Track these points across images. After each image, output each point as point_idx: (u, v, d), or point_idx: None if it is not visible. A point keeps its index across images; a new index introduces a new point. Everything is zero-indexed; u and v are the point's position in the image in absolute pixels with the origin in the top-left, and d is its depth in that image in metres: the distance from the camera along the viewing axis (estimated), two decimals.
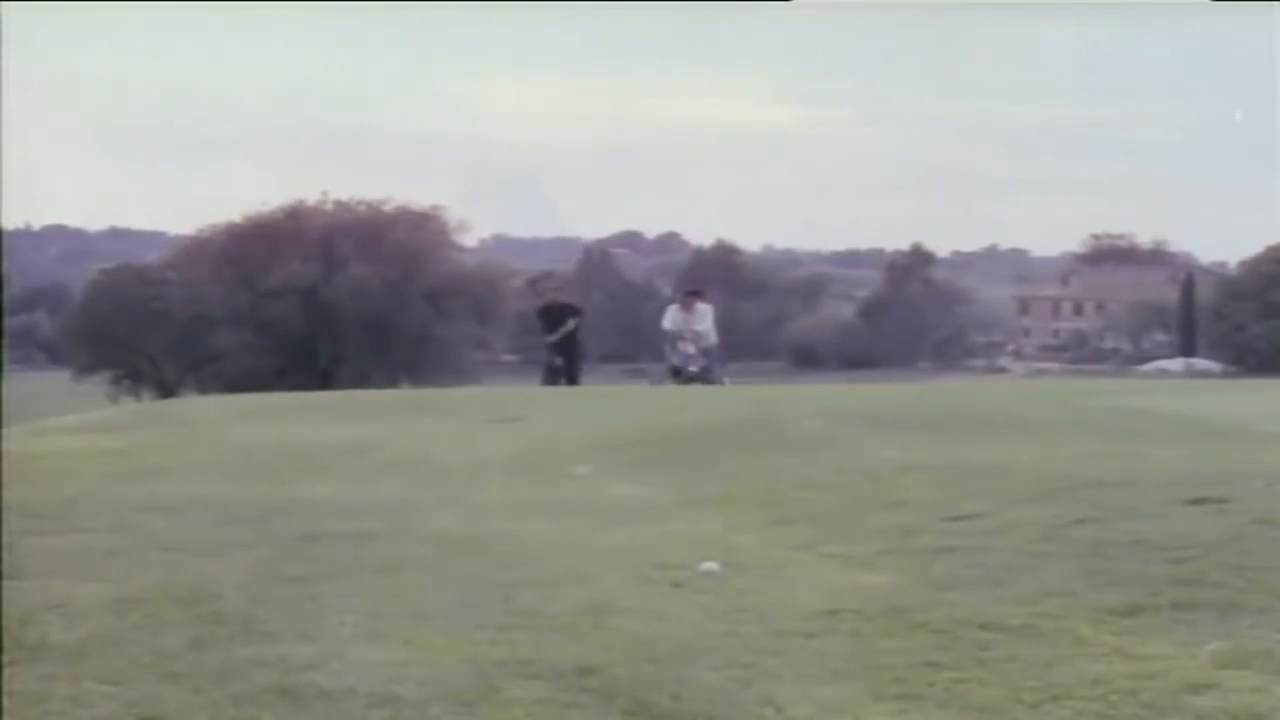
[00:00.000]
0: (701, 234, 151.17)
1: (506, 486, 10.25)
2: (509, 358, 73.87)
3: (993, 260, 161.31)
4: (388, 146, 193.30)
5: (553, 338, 25.82)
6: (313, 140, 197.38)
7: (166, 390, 61.64)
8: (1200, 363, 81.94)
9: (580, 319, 26.37)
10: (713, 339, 24.32)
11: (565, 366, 25.55)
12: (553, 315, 26.30)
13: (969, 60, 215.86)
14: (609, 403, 16.38)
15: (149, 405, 39.13)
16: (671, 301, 26.06)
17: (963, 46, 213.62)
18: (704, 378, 23.52)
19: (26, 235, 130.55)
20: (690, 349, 23.69)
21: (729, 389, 22.52)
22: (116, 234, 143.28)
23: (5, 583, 6.23)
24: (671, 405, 15.46)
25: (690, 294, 25.60)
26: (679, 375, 23.51)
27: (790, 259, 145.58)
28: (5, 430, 14.54)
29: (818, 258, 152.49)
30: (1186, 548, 6.46)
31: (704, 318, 24.35)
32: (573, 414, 15.20)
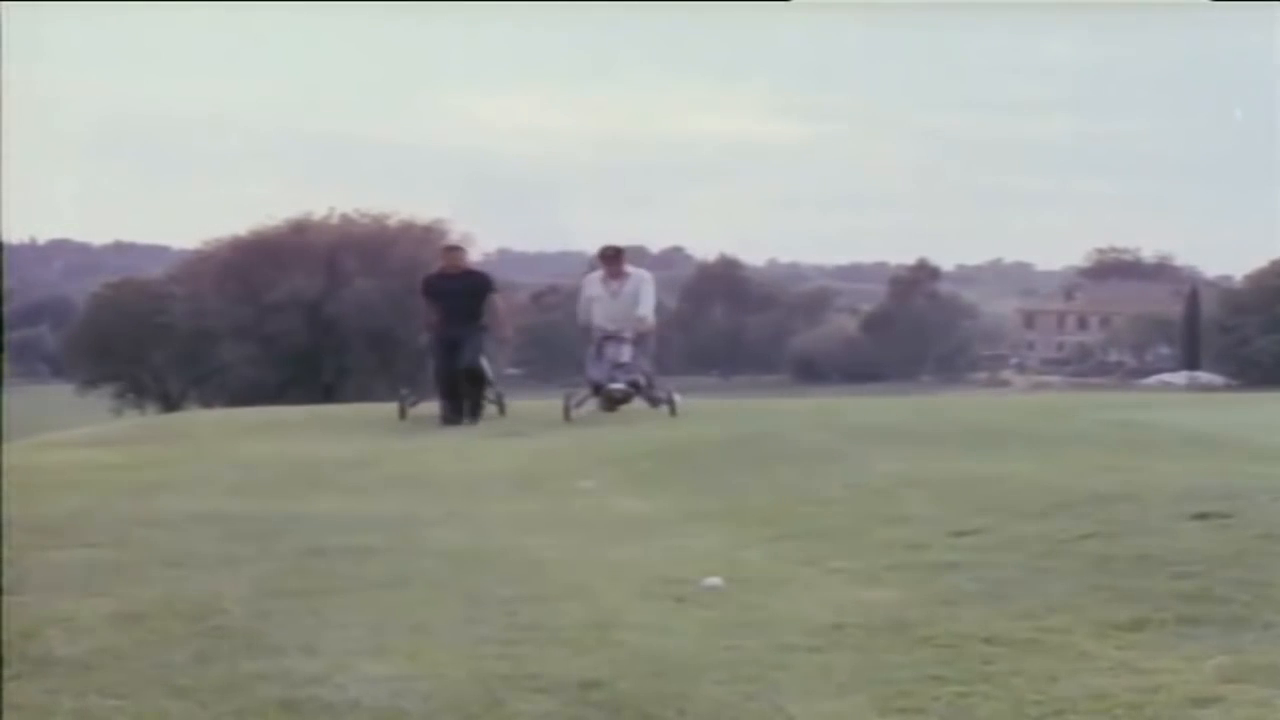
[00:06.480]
0: (705, 248, 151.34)
1: (510, 501, 10.26)
2: (512, 371, 73.88)
3: (997, 274, 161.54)
4: (391, 160, 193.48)
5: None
6: (317, 154, 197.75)
7: (170, 403, 61.72)
8: (1203, 376, 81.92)
9: (496, 297, 17.49)
10: (650, 321, 16.97)
11: (466, 377, 16.50)
12: (450, 289, 17.15)
13: (970, 72, 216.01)
14: (611, 416, 16.35)
15: (152, 419, 39.18)
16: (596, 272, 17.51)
17: (963, 58, 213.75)
18: (645, 395, 16.47)
19: (31, 249, 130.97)
20: (625, 354, 16.42)
21: (682, 409, 16.09)
22: (121, 248, 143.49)
23: (8, 598, 6.23)
24: (673, 420, 15.44)
25: (612, 254, 17.19)
26: (602, 392, 16.41)
27: (795, 273, 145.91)
28: (9, 444, 14.55)
29: (822, 271, 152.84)
30: (1191, 563, 6.46)
31: (640, 289, 16.98)
32: (575, 428, 15.19)
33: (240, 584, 6.72)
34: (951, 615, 5.92)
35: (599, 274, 17.16)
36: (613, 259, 17.13)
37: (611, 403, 16.31)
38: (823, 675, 5.14)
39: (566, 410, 15.95)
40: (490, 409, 16.78)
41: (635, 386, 16.45)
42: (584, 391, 16.52)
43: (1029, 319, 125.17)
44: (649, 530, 8.64)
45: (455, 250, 18.86)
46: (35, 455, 13.55)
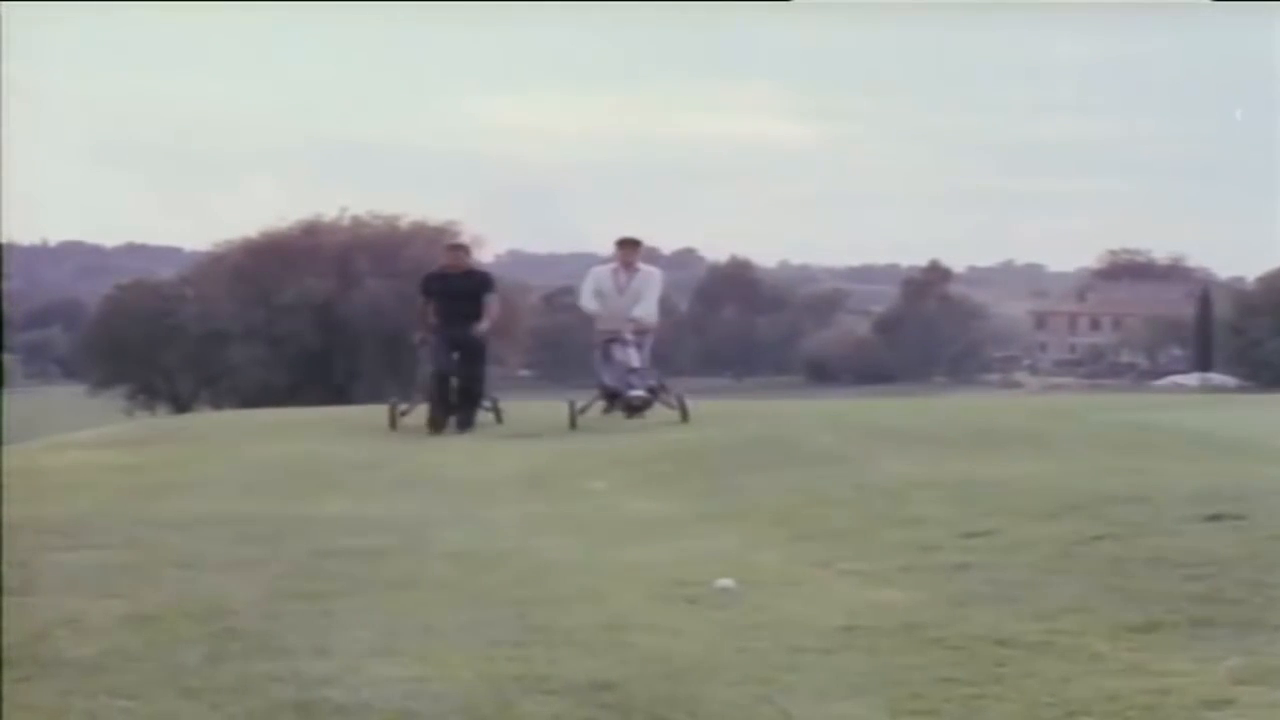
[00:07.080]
0: (717, 250, 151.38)
1: (521, 502, 10.25)
2: (524, 373, 73.98)
3: (1009, 275, 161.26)
4: (402, 163, 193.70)
5: (480, 327, 16.04)
6: (328, 156, 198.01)
7: (181, 405, 61.78)
8: (1215, 378, 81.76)
9: (493, 297, 16.53)
10: (649, 320, 16.56)
11: (463, 383, 15.85)
12: (450, 289, 16.35)
13: (979, 73, 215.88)
14: (617, 419, 16.31)
15: (163, 420, 39.20)
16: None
17: (971, 59, 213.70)
18: (661, 400, 15.79)
19: (43, 251, 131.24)
20: (634, 358, 15.93)
21: (693, 412, 15.55)
22: (133, 250, 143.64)
23: (20, 599, 6.25)
24: (684, 422, 15.41)
25: (630, 243, 16.80)
26: (617, 400, 15.85)
27: (806, 274, 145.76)
28: (20, 445, 14.58)
29: (833, 273, 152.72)
30: (1204, 564, 6.44)
31: (649, 286, 16.62)
32: (585, 431, 15.17)
33: (251, 585, 6.72)
34: (963, 617, 5.91)
35: (610, 266, 16.68)
36: (630, 248, 16.68)
37: (631, 410, 15.68)
38: (835, 677, 5.13)
39: (572, 418, 15.51)
40: (487, 416, 16.13)
41: (653, 392, 15.85)
42: (592, 397, 16.12)
43: (1041, 320, 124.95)
44: (660, 532, 8.63)
45: (458, 249, 18.18)
46: (46, 456, 13.57)
